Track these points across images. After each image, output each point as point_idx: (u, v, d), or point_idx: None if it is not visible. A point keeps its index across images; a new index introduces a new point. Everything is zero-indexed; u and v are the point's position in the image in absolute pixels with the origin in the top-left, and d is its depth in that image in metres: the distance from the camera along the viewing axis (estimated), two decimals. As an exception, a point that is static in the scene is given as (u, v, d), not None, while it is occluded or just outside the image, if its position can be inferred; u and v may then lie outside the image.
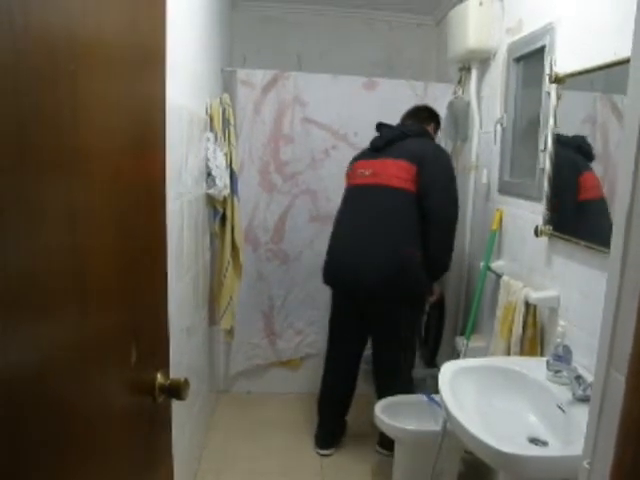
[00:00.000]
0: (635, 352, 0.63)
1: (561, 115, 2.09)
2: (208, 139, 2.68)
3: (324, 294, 3.10)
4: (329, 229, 2.98)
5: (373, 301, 2.77)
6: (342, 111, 3.34)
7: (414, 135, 2.84)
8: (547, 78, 2.18)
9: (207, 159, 2.66)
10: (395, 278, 2.66)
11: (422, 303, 2.93)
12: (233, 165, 2.94)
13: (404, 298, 2.74)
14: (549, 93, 2.17)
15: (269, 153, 3.35)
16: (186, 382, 1.18)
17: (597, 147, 1.93)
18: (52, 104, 0.71)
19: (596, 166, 1.96)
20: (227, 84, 3.29)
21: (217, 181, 2.68)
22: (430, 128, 2.98)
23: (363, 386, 3.12)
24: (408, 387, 2.83)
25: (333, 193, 3.29)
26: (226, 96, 2.97)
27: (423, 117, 2.99)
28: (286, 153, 3.37)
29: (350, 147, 3.34)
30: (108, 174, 0.90)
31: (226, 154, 2.86)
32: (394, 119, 3.24)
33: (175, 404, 1.30)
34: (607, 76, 1.82)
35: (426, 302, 2.95)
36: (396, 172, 2.73)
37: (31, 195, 0.66)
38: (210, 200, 2.77)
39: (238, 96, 3.26)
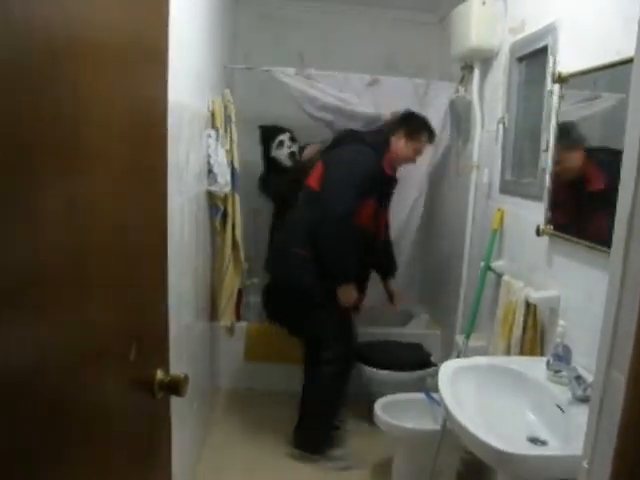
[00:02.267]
0: (636, 352, 0.63)
1: (563, 115, 2.09)
2: (209, 136, 2.68)
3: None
4: None
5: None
6: (346, 109, 3.32)
7: (349, 141, 2.89)
8: (550, 77, 2.18)
9: (208, 156, 2.66)
10: (282, 276, 2.87)
11: (323, 308, 2.84)
12: (234, 162, 2.93)
13: (295, 299, 2.85)
14: (552, 92, 2.17)
15: None
16: (186, 378, 1.18)
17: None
18: (52, 102, 0.70)
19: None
20: (229, 80, 3.28)
21: (218, 178, 2.67)
22: (397, 136, 2.85)
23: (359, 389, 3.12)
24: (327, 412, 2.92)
25: None
26: (227, 92, 2.96)
27: (391, 126, 2.95)
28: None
29: None
30: (109, 172, 0.90)
31: (227, 151, 2.85)
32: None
33: (175, 400, 1.30)
34: (610, 76, 1.81)
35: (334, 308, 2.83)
36: (314, 172, 2.88)
37: (31, 193, 0.66)
38: (211, 197, 2.76)
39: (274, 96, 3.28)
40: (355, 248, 2.73)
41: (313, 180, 2.83)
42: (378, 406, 2.66)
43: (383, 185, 2.89)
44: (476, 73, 3.04)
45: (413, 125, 2.87)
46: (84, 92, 0.79)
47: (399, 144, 2.83)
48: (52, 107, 0.70)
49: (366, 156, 2.80)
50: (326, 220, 2.68)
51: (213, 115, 2.73)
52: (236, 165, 2.95)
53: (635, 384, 0.64)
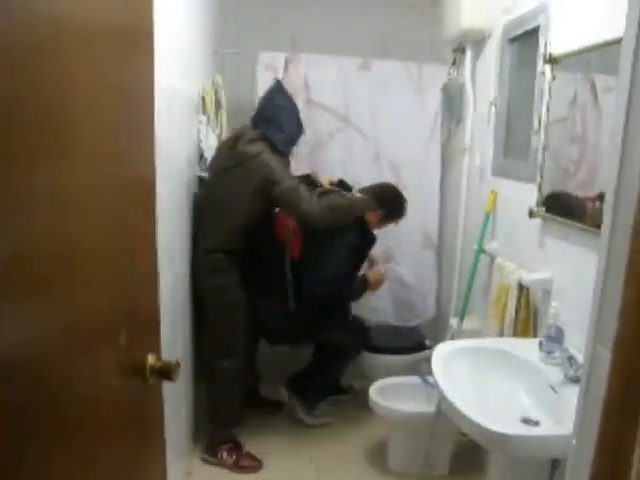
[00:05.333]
0: (621, 327, 0.63)
1: (555, 96, 2.08)
2: (200, 121, 2.66)
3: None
4: None
5: None
6: (342, 93, 3.28)
7: None
8: (541, 58, 2.17)
9: (199, 141, 2.65)
10: None
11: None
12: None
13: None
14: (543, 73, 2.16)
15: None
16: (177, 364, 1.18)
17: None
18: (36, 88, 0.70)
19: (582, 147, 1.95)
20: (220, 66, 3.25)
21: (209, 163, 2.66)
22: (375, 211, 2.91)
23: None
24: None
25: (338, 176, 3.26)
26: (218, 78, 2.94)
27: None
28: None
29: (351, 129, 3.31)
30: (95, 157, 0.89)
31: (218, 136, 2.84)
32: (387, 101, 3.23)
33: (171, 387, 1.30)
34: (603, 56, 1.80)
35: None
36: None
37: (18, 180, 0.65)
38: (202, 182, 2.75)
39: (259, 81, 3.13)
40: None
41: None
42: (373, 390, 2.67)
43: None
44: (468, 55, 3.02)
45: (392, 212, 2.94)
46: (68, 77, 0.78)
47: (374, 217, 2.89)
48: (36, 92, 0.69)
49: None
50: None
51: (204, 100, 2.72)
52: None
53: (619, 358, 0.64)
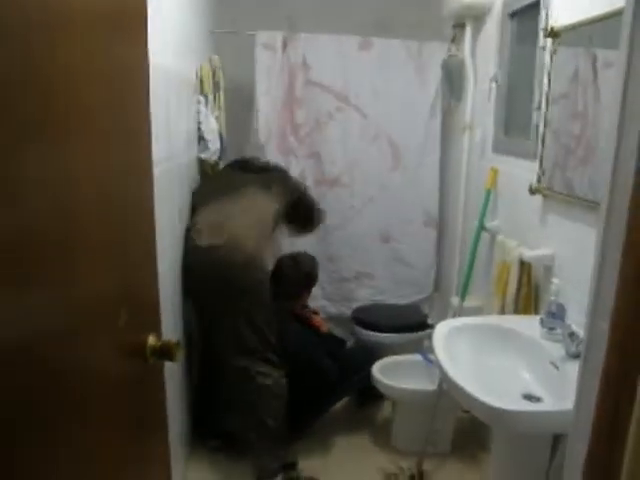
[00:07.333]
0: (618, 302, 0.63)
1: (556, 71, 2.06)
2: (199, 102, 2.64)
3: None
4: (333, 193, 3.24)
5: None
6: (342, 72, 3.27)
7: None
8: (542, 32, 2.14)
9: (199, 122, 2.63)
10: None
11: None
12: (221, 130, 2.89)
13: None
14: (544, 48, 2.13)
15: (285, 117, 3.28)
16: (177, 344, 1.17)
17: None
18: (26, 70, 0.68)
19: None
20: (219, 46, 3.22)
21: (209, 145, 2.65)
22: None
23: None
24: None
25: (338, 156, 3.29)
26: (216, 58, 2.91)
27: None
28: (300, 117, 3.28)
29: (351, 108, 3.29)
30: (91, 138, 0.88)
31: (217, 118, 2.82)
32: (387, 79, 3.21)
33: (174, 369, 1.30)
34: (604, 29, 1.78)
35: None
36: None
37: (15, 161, 0.65)
38: (202, 164, 2.74)
39: (258, 61, 3.16)
40: None
41: None
42: (376, 368, 2.68)
43: None
44: (468, 31, 2.98)
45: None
46: (59, 59, 0.77)
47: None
48: (27, 73, 0.68)
49: None
50: None
51: (202, 81, 2.69)
52: (223, 133, 2.91)
53: (615, 334, 0.64)
